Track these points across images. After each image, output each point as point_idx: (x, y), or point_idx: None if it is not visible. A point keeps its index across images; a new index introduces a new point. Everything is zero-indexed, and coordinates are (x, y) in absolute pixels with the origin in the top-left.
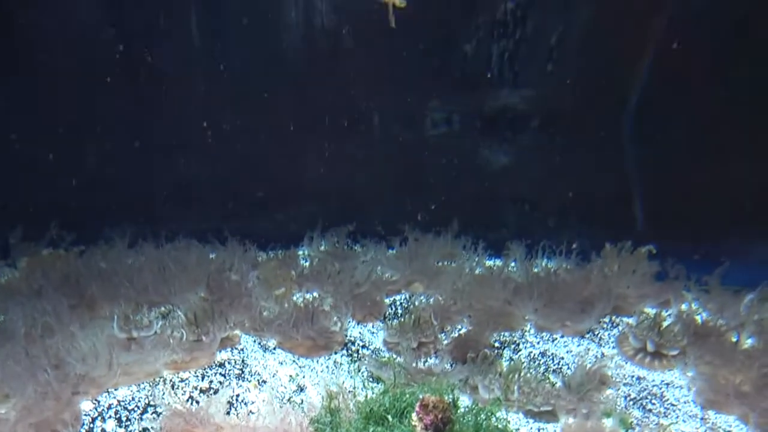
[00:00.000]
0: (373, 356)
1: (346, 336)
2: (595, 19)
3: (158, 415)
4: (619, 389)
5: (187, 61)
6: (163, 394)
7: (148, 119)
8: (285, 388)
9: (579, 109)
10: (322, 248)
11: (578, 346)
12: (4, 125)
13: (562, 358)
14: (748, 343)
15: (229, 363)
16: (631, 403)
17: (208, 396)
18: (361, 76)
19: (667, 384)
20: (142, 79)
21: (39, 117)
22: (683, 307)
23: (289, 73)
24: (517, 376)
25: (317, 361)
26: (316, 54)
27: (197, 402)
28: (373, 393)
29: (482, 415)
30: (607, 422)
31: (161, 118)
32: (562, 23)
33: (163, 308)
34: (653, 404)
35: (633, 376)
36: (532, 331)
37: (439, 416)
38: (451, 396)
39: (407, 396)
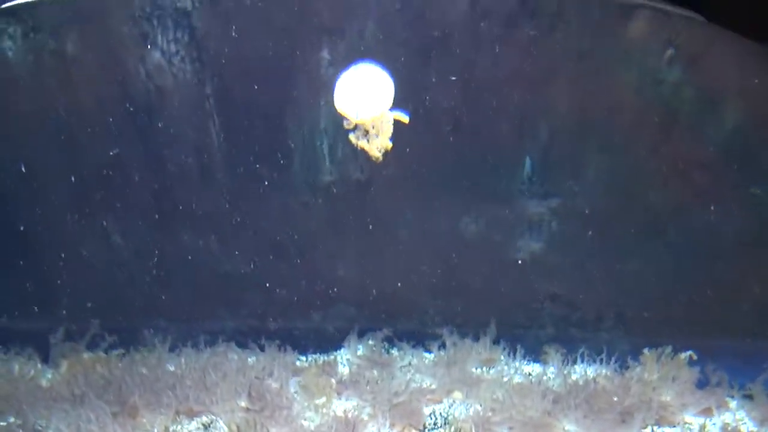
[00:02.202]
0: None
1: None
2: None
3: None
4: None
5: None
6: None
7: (188, 220)
8: None
9: (612, 215)
10: (359, 353)
11: None
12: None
13: None
14: None
15: None
16: None
17: None
18: (398, 187)
19: None
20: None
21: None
22: (728, 416)
23: (327, 187)
24: None
25: None
26: (352, 178)
27: None
28: None
29: None
30: None
31: (200, 219)
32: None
33: (204, 418)
34: None
35: None
36: None
37: None
38: None
39: None
